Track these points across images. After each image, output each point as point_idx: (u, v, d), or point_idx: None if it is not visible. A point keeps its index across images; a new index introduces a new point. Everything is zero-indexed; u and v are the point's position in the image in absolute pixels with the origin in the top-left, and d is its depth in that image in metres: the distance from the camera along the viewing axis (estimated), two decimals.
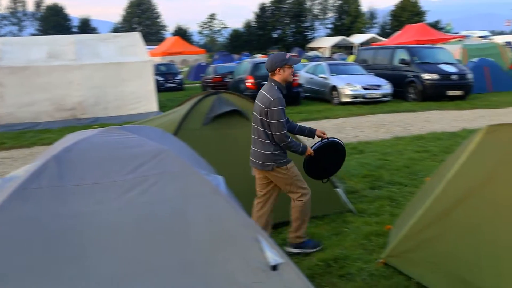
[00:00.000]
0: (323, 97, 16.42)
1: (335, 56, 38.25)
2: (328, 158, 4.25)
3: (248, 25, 73.04)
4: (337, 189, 5.28)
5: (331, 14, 76.93)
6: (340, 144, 4.31)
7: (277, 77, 4.00)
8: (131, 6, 77.16)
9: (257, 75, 15.53)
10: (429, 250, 3.58)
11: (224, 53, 48.69)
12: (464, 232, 3.41)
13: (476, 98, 15.84)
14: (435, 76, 15.37)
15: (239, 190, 3.98)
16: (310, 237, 4.43)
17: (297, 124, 4.26)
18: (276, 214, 4.47)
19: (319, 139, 4.27)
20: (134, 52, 13.78)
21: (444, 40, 26.62)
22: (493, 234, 3.20)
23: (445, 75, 15.42)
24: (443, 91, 15.35)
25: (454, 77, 15.46)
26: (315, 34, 74.78)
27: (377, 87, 15.47)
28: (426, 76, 15.41)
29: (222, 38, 78.74)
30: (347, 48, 53.56)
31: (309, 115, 13.36)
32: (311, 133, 4.29)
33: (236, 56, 45.09)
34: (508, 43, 34.20)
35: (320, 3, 76.72)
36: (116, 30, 72.62)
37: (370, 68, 17.48)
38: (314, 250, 4.29)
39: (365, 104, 15.13)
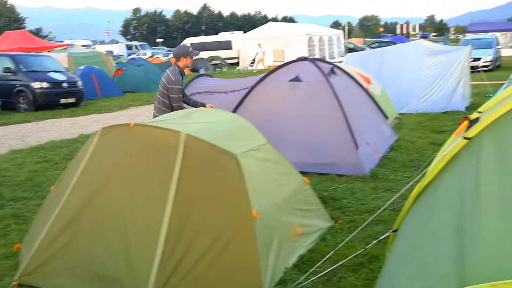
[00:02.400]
0: None
1: None
2: None
3: None
4: None
5: None
6: None
7: (180, 63, 5.59)
8: None
9: None
10: (64, 257, 3.59)
11: None
12: (95, 231, 3.59)
13: (88, 104, 16.50)
14: (45, 85, 15.10)
15: None
16: None
17: (192, 99, 5.85)
18: None
19: None
20: None
21: (49, 48, 26.43)
22: (121, 225, 3.50)
23: (56, 83, 15.37)
24: (56, 99, 15.30)
25: (64, 84, 15.59)
26: None
27: None
28: (36, 85, 14.96)
29: None
30: None
31: None
32: (202, 105, 5.74)
33: None
34: (109, 52, 37.03)
35: None
36: None
37: None
38: None
39: None
